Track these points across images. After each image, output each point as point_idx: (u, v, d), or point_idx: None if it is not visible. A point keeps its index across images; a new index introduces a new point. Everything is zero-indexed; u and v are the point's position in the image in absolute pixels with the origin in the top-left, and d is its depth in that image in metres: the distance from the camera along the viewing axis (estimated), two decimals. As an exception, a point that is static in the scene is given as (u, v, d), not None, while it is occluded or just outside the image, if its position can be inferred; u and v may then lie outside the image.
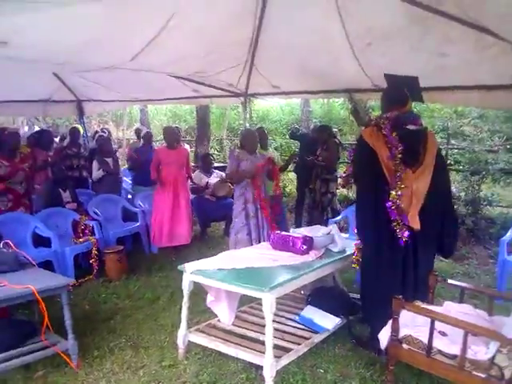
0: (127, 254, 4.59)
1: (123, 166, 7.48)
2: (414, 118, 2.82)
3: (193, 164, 6.77)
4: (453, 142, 7.83)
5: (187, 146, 7.27)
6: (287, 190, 8.18)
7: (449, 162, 7.58)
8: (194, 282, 2.75)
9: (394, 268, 2.71)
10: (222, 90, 5.77)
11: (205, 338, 2.76)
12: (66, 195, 4.81)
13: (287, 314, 3.13)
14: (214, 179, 5.84)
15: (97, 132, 7.69)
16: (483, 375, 2.02)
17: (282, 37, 4.03)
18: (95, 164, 5.36)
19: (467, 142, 7.57)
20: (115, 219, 5.14)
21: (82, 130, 6.90)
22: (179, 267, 2.76)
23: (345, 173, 3.11)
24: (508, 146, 7.05)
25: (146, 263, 4.78)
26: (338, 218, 4.81)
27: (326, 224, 4.28)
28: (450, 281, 2.82)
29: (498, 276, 3.95)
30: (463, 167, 6.83)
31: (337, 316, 2.99)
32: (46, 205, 4.58)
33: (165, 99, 6.85)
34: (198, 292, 3.12)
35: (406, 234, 2.60)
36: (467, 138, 7.98)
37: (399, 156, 2.62)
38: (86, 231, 4.49)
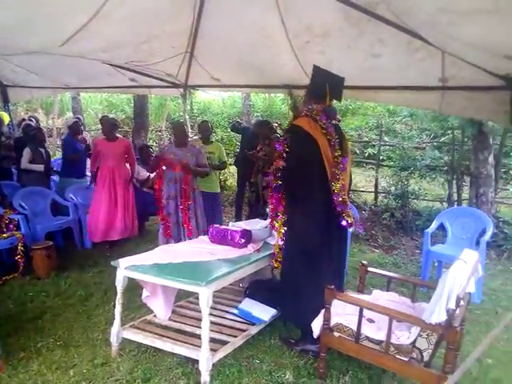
0: (57, 249, 4.34)
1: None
2: (335, 114, 2.92)
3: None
4: (386, 138, 8.27)
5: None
6: (228, 183, 8.18)
7: (381, 157, 8.03)
8: (129, 278, 2.67)
9: (333, 261, 2.81)
10: (161, 80, 5.62)
11: (139, 334, 2.69)
12: (-13, 187, 4.45)
13: (225, 307, 3.15)
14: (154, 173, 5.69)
15: (24, 120, 7.14)
16: (405, 358, 2.17)
17: (222, 29, 4.00)
18: (26, 153, 4.96)
19: (398, 139, 8.02)
20: (44, 213, 4.83)
21: (7, 118, 6.37)
22: (112, 263, 2.66)
23: (274, 167, 2.82)
24: (435, 144, 7.56)
25: (79, 259, 4.55)
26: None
27: (266, 218, 4.34)
28: (376, 270, 2.98)
29: (423, 265, 4.25)
30: (394, 163, 7.24)
31: (273, 308, 3.05)
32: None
33: (100, 87, 6.51)
34: (134, 288, 3.04)
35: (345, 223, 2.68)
36: (398, 135, 8.46)
37: (338, 147, 2.69)
38: (11, 226, 4.18)
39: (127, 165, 4.99)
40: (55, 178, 5.76)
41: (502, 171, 7.03)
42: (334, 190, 2.67)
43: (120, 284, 2.65)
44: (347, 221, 2.67)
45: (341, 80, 2.96)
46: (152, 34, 3.87)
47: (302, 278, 2.76)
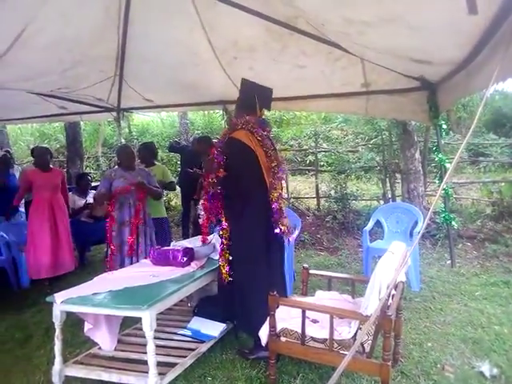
0: (-10, 292, 4.06)
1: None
2: (266, 125, 3.00)
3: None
4: (324, 145, 8.61)
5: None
6: (172, 203, 8.09)
7: (321, 163, 8.33)
8: (67, 312, 2.56)
9: (273, 269, 2.86)
10: (92, 105, 5.51)
11: (84, 369, 2.57)
12: None
13: (174, 329, 3.09)
14: (91, 200, 5.49)
15: None
16: (348, 352, 2.25)
17: (149, 50, 4.02)
18: None
19: (335, 144, 8.39)
20: (-28, 255, 4.50)
21: None
22: (47, 298, 2.54)
23: (210, 180, 2.82)
24: (369, 146, 7.98)
25: (15, 300, 4.27)
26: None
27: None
28: (317, 272, 3.09)
29: (364, 262, 4.44)
30: (331, 168, 7.54)
31: (223, 322, 3.05)
32: None
33: (27, 118, 6.26)
34: (78, 322, 2.92)
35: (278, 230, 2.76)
36: (335, 141, 8.85)
37: (273, 158, 2.78)
38: None
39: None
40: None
41: (431, 166, 7.56)
42: (271, 199, 2.75)
43: (58, 320, 2.52)
44: (281, 228, 2.74)
45: (269, 90, 3.07)
46: (76, 59, 3.80)
47: (247, 286, 2.80)
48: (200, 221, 3.37)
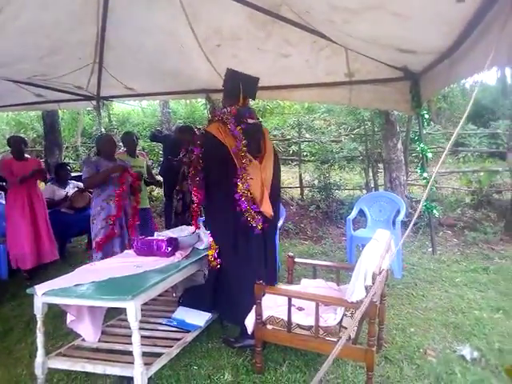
0: (-33, 286, 3.95)
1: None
2: (251, 113, 2.99)
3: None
4: (307, 135, 8.60)
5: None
6: (154, 194, 7.99)
7: (304, 153, 8.35)
8: (49, 305, 2.50)
9: (253, 258, 2.85)
10: (71, 93, 5.36)
11: (67, 361, 2.52)
12: None
13: (159, 319, 3.07)
14: (71, 190, 5.37)
15: None
16: (334, 339, 2.28)
17: (130, 37, 3.91)
18: None
19: (318, 134, 8.39)
20: None
21: None
22: (28, 290, 2.47)
23: (192, 173, 2.90)
24: (352, 136, 8.02)
25: (-6, 293, 4.17)
26: (205, 216, 4.87)
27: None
28: (302, 260, 3.11)
29: (347, 250, 4.49)
30: (314, 157, 7.56)
31: (208, 312, 3.04)
32: None
33: (2, 106, 6.05)
34: (60, 315, 2.87)
35: (260, 220, 2.75)
36: (318, 131, 8.85)
37: (244, 148, 2.76)
38: None
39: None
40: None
41: (412, 156, 7.66)
42: (238, 190, 2.73)
43: (39, 312, 2.46)
44: (247, 218, 2.72)
45: (254, 79, 3.06)
46: (54, 45, 3.67)
47: (231, 275, 2.84)
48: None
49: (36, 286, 2.46)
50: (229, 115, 2.82)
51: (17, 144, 4.60)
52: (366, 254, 2.20)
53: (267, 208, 2.79)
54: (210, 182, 2.84)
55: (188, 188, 5.10)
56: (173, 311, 3.16)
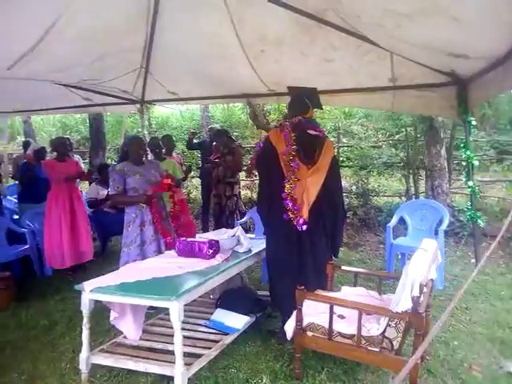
0: (16, 280, 4.13)
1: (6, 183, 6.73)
2: (314, 125, 3.18)
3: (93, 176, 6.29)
4: (344, 140, 8.50)
5: (77, 158, 6.66)
6: (192, 196, 8.12)
7: (341, 159, 8.24)
8: (95, 301, 2.58)
9: (291, 254, 2.95)
10: (117, 97, 5.53)
11: (110, 357, 2.60)
12: None
13: (198, 320, 3.10)
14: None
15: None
16: (377, 349, 2.23)
17: (176, 43, 4.00)
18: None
19: (356, 139, 8.26)
20: (-1, 243, 4.60)
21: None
22: (76, 287, 2.56)
23: (249, 164, 3.32)
24: (390, 142, 7.85)
25: (40, 288, 4.34)
26: (244, 219, 4.90)
27: (233, 227, 4.32)
28: (344, 267, 3.05)
29: (387, 259, 4.38)
30: (353, 163, 7.44)
31: (246, 315, 3.04)
32: None
33: (52, 109, 6.32)
34: (100, 311, 2.94)
35: (301, 220, 2.87)
36: (356, 136, 8.72)
37: (293, 153, 2.93)
38: (-37, 259, 3.96)
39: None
40: (9, 205, 5.52)
41: (454, 163, 7.40)
42: (285, 190, 2.92)
43: (86, 308, 2.55)
44: (288, 215, 2.89)
45: (314, 90, 3.34)
46: (105, 51, 3.80)
47: (277, 279, 3.06)
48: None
49: (84, 283, 2.55)
50: (289, 123, 3.05)
51: (59, 145, 4.77)
52: (414, 263, 2.13)
53: (304, 210, 2.91)
54: (260, 180, 3.25)
55: (223, 191, 5.17)
56: (210, 313, 3.19)
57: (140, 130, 7.15)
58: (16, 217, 5.44)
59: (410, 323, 2.16)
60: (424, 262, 2.19)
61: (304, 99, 3.18)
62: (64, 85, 4.81)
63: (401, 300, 2.10)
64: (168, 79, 4.94)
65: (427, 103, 4.42)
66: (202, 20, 3.60)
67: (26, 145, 6.84)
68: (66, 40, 3.27)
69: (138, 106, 5.75)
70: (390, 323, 2.30)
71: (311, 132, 3.08)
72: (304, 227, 2.87)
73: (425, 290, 2.26)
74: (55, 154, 4.87)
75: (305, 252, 2.93)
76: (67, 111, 6.71)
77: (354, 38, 3.53)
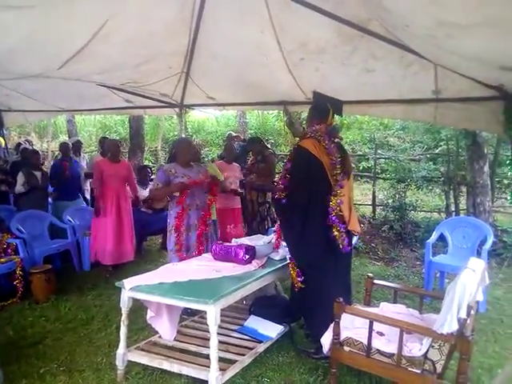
0: (56, 273, 4.28)
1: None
2: (337, 132, 3.08)
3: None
4: (379, 151, 8.35)
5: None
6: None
7: (377, 170, 8.09)
8: (134, 299, 2.63)
9: (338, 276, 2.84)
10: (157, 100, 5.66)
11: (145, 356, 2.63)
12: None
13: (230, 326, 3.10)
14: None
15: (20, 144, 7.12)
16: (418, 370, 2.14)
17: (218, 48, 4.05)
18: (20, 177, 4.95)
19: (392, 151, 8.10)
20: (42, 236, 4.77)
21: (3, 142, 6.36)
22: (117, 284, 2.62)
23: (278, 184, 2.93)
24: (428, 156, 7.64)
25: (78, 282, 4.48)
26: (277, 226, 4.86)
27: (265, 234, 4.32)
28: (383, 282, 2.97)
29: (425, 276, 4.24)
30: (390, 175, 7.28)
31: (279, 324, 3.01)
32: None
33: (95, 109, 6.53)
34: (136, 309, 2.99)
35: (346, 240, 2.74)
36: (392, 148, 8.55)
37: (339, 166, 2.81)
38: (9, 250, 4.12)
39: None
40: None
41: (496, 180, 7.11)
42: (330, 205, 2.75)
43: (125, 305, 2.60)
44: (333, 234, 2.71)
45: (340, 102, 3.21)
46: (150, 54, 3.90)
47: (312, 291, 2.82)
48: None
49: (124, 281, 2.59)
50: (322, 133, 2.88)
51: (114, 147, 4.89)
52: (461, 283, 2.04)
53: (355, 226, 2.81)
54: (297, 198, 2.80)
55: (256, 197, 5.17)
56: (243, 319, 3.18)
57: (177, 133, 7.29)
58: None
59: (455, 346, 2.07)
60: (472, 282, 2.09)
61: (327, 105, 3.05)
62: (107, 86, 4.97)
63: (446, 321, 2.01)
64: (208, 84, 5.00)
65: (472, 117, 4.27)
66: (245, 27, 3.64)
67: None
68: (112, 43, 3.38)
69: (177, 109, 5.85)
70: (433, 344, 2.21)
71: (336, 140, 3.00)
72: (348, 249, 2.75)
73: (472, 312, 2.16)
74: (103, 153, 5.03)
75: (347, 267, 2.88)
76: (109, 112, 6.95)
77: (396, 48, 3.47)
